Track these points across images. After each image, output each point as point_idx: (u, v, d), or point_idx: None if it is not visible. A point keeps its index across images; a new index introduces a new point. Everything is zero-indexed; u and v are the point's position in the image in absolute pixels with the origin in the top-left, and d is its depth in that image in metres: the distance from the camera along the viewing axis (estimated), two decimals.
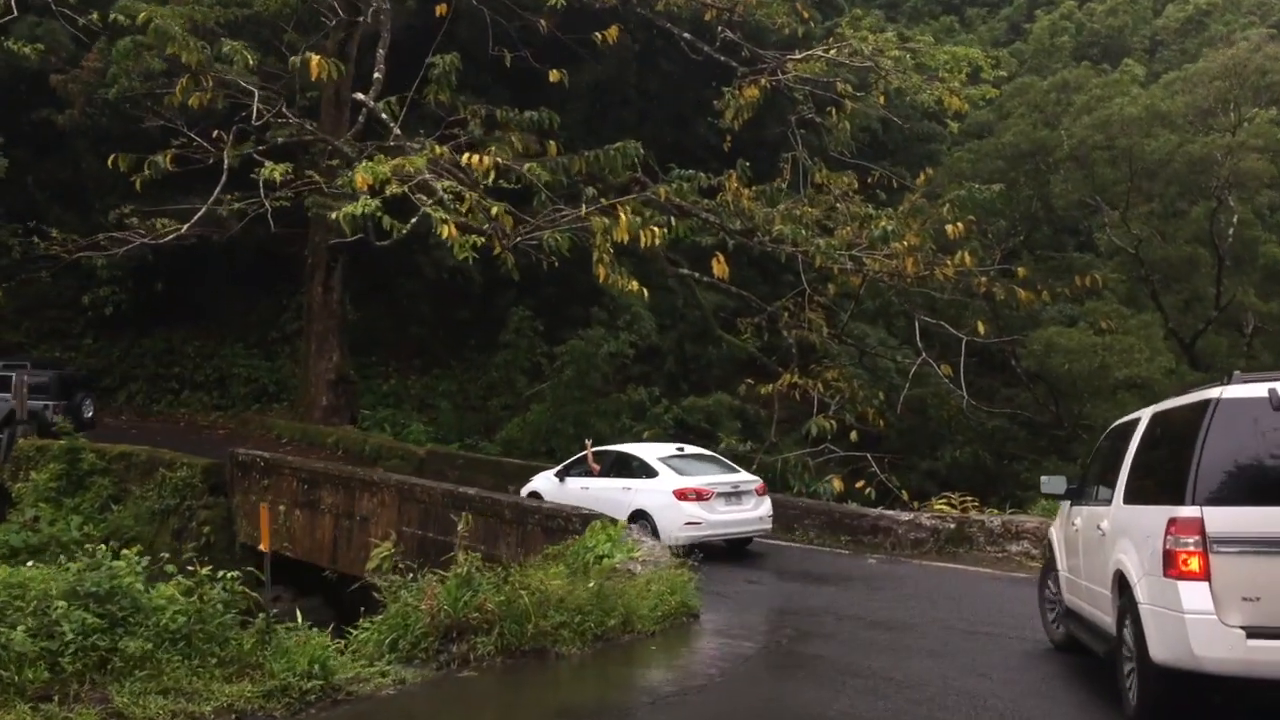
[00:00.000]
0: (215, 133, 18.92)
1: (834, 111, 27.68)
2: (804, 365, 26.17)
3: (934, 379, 27.57)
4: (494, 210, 16.01)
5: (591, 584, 10.29)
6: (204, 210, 18.37)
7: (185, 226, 18.77)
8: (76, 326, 34.67)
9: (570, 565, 11.42)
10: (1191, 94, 23.59)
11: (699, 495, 15.47)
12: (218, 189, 18.33)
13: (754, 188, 23.73)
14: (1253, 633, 6.21)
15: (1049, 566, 10.02)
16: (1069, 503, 9.47)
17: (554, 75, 20.58)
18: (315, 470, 19.84)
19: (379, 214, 15.60)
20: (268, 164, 16.44)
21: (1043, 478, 10.31)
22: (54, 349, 34.04)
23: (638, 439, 29.04)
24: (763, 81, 26.27)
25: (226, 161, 17.31)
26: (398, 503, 17.78)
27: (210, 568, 9.04)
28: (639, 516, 15.44)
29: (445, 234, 15.36)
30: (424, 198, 16.09)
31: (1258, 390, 6.60)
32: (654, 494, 15.75)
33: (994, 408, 31.50)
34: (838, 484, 21.38)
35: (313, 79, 18.75)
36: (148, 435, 29.49)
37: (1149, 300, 26.08)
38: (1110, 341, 22.61)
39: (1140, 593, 6.89)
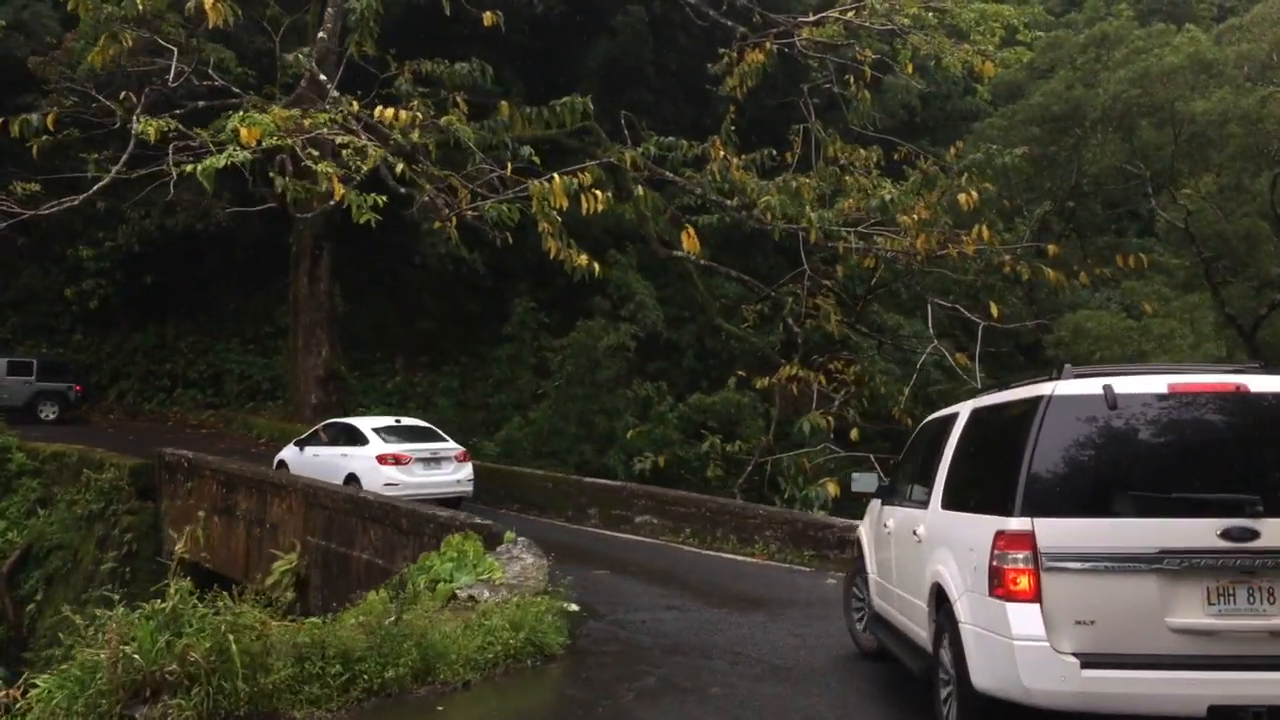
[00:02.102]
0: (122, 94, 16.92)
1: (853, 81, 25.04)
2: (825, 356, 23.64)
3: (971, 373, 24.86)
4: (373, 154, 13.80)
5: (390, 620, 7.92)
6: (107, 180, 16.32)
7: (81, 198, 16.75)
8: (64, 321, 33.21)
9: (392, 593, 9.06)
10: (1247, 43, 20.35)
11: (397, 460, 17.50)
12: (124, 158, 16.28)
13: (743, 156, 21.14)
14: (1087, 661, 5.47)
15: (858, 568, 9.34)
16: (879, 501, 8.82)
17: (488, 18, 18.09)
18: (231, 472, 17.77)
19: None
20: (142, 119, 14.36)
21: (853, 474, 9.36)
22: (41, 344, 32.65)
23: (645, 439, 26.77)
24: (768, 45, 23.75)
25: (136, 128, 15.23)
26: (304, 509, 15.62)
27: None
28: (351, 479, 17.38)
29: (326, 186, 13.28)
30: (314, 153, 13.92)
31: (1092, 387, 5.88)
32: (362, 459, 17.70)
33: None
34: (832, 488, 18.73)
35: (210, 26, 16.68)
36: (125, 434, 27.90)
37: (1207, 284, 22.88)
38: (1147, 325, 19.54)
39: (962, 611, 6.12)
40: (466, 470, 18.22)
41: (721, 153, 20.90)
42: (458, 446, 18.73)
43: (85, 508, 19.84)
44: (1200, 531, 5.53)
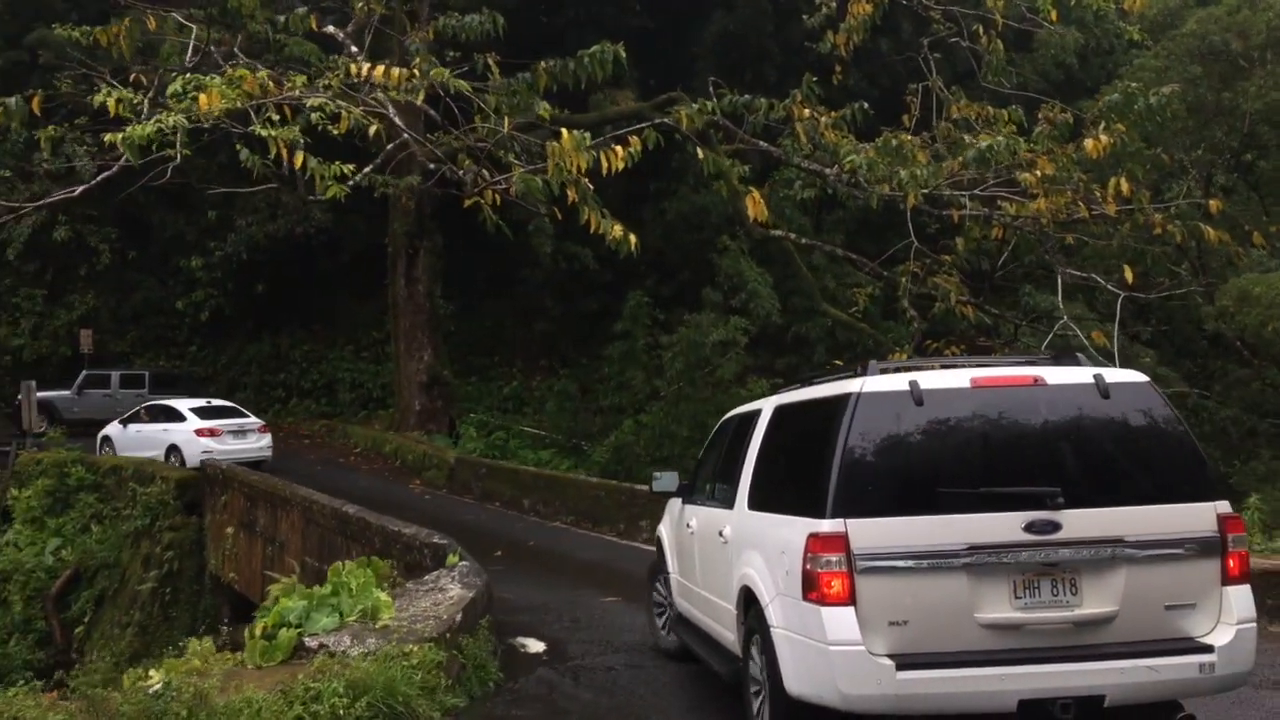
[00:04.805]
0: (133, 75, 15.54)
1: (982, 32, 21.80)
2: (940, 342, 20.59)
3: (1142, 361, 21.41)
4: (346, 117, 11.90)
5: (153, 688, 5.81)
6: (112, 171, 14.93)
7: (80, 189, 15.36)
8: (181, 334, 33.10)
9: (224, 641, 6.97)
10: None
11: (212, 433, 21.44)
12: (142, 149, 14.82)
13: (833, 114, 18.32)
14: (903, 663, 5.36)
15: (659, 568, 9.32)
16: (680, 500, 8.73)
17: None
18: (254, 486, 16.24)
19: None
20: (104, 89, 12.77)
21: (654, 474, 9.10)
22: (159, 357, 32.56)
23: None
24: None
25: (94, 99, 13.62)
26: (303, 526, 13.89)
27: None
28: (172, 450, 21.38)
29: (275, 153, 11.47)
30: (275, 117, 12.06)
31: (898, 383, 5.79)
32: (182, 433, 21.55)
33: (1224, 394, 24.67)
34: None
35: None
36: None
37: None
38: None
39: (773, 615, 6.00)
40: (266, 439, 22.69)
41: (806, 111, 18.12)
42: (259, 421, 23.46)
43: (132, 524, 18.74)
44: (1006, 526, 5.51)
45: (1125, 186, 16.49)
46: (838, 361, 24.39)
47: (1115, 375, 6.05)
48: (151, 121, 11.32)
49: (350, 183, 14.74)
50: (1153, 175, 20.03)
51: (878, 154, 17.64)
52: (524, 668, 8.76)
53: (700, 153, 16.46)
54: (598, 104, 27.63)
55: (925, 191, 17.10)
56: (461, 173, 14.96)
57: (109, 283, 32.33)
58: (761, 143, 19.34)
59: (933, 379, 5.86)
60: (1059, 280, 17.95)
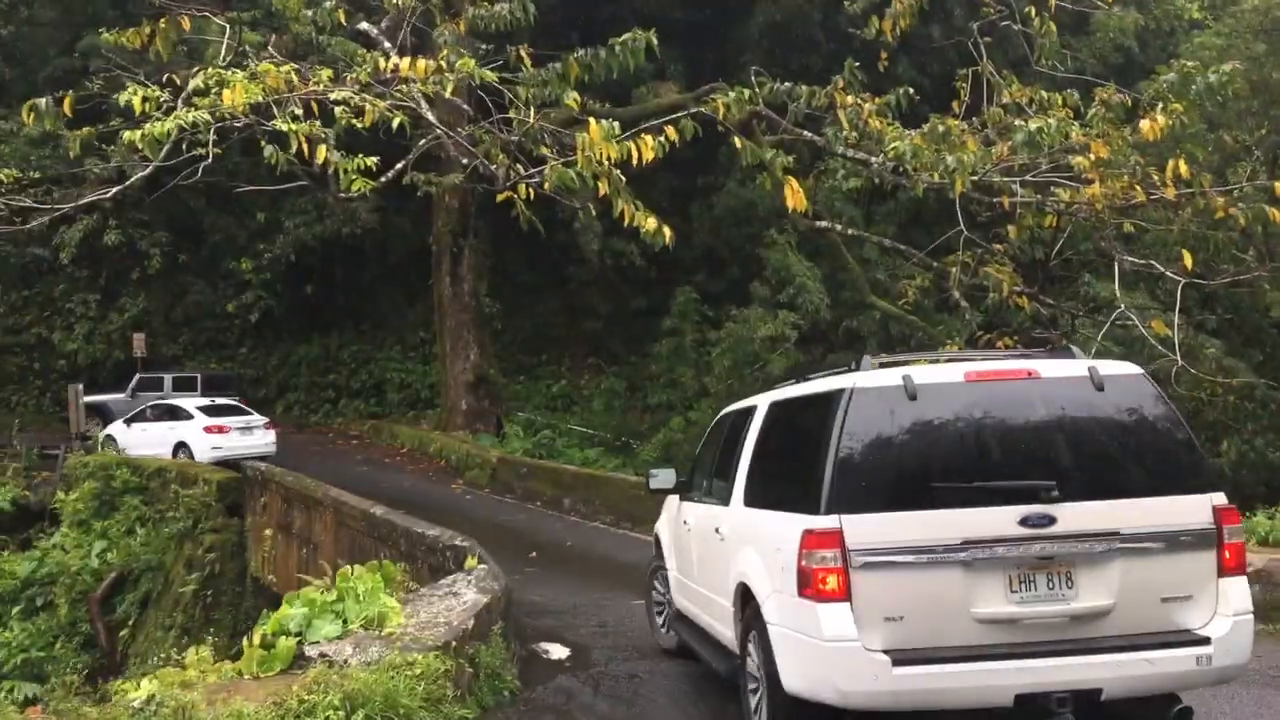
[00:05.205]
0: (165, 76, 15.42)
1: (1034, 12, 21.09)
2: (992, 334, 19.94)
3: (1206, 351, 20.71)
4: (370, 110, 11.65)
5: (135, 703, 5.55)
6: (145, 175, 14.79)
7: (114, 190, 15.23)
8: (233, 336, 33.30)
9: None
10: None
11: (220, 430, 22.48)
12: (165, 148, 14.69)
13: (876, 100, 17.79)
14: (899, 658, 5.33)
15: (657, 565, 9.35)
16: (678, 498, 8.73)
17: None
18: (289, 487, 16.09)
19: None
20: (131, 86, 12.62)
21: (651, 471, 9.04)
22: (211, 359, 32.77)
23: None
24: None
25: (121, 98, 13.42)
26: (335, 528, 13.68)
27: None
28: (180, 447, 22.36)
29: (297, 147, 11.27)
30: (297, 111, 11.87)
31: (891, 378, 5.79)
32: (191, 430, 22.60)
33: None
34: None
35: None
36: (279, 446, 27.25)
37: None
38: None
39: (770, 612, 5.98)
40: (271, 435, 23.55)
41: (850, 98, 17.60)
42: (264, 419, 24.33)
43: (175, 526, 18.72)
44: (1001, 520, 5.47)
45: (1184, 169, 15.77)
46: (879, 354, 23.84)
47: (1109, 368, 5.99)
48: (170, 118, 11.15)
49: (383, 180, 14.59)
50: (1215, 158, 19.22)
51: (924, 140, 17.10)
52: (544, 675, 8.44)
53: (738, 142, 16.02)
54: (641, 98, 27.28)
55: (974, 179, 16.55)
56: (494, 167, 14.71)
57: (161, 286, 32.61)
58: (806, 132, 18.88)
59: (926, 373, 5.85)
60: (1116, 268, 17.25)
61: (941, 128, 17.34)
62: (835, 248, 23.31)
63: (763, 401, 7.21)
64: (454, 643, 7.15)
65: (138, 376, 29.66)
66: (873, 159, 18.59)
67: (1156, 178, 16.23)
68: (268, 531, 16.50)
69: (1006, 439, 5.75)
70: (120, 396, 29.08)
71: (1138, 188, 16.57)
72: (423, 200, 27.49)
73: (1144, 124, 15.54)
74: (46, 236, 30.79)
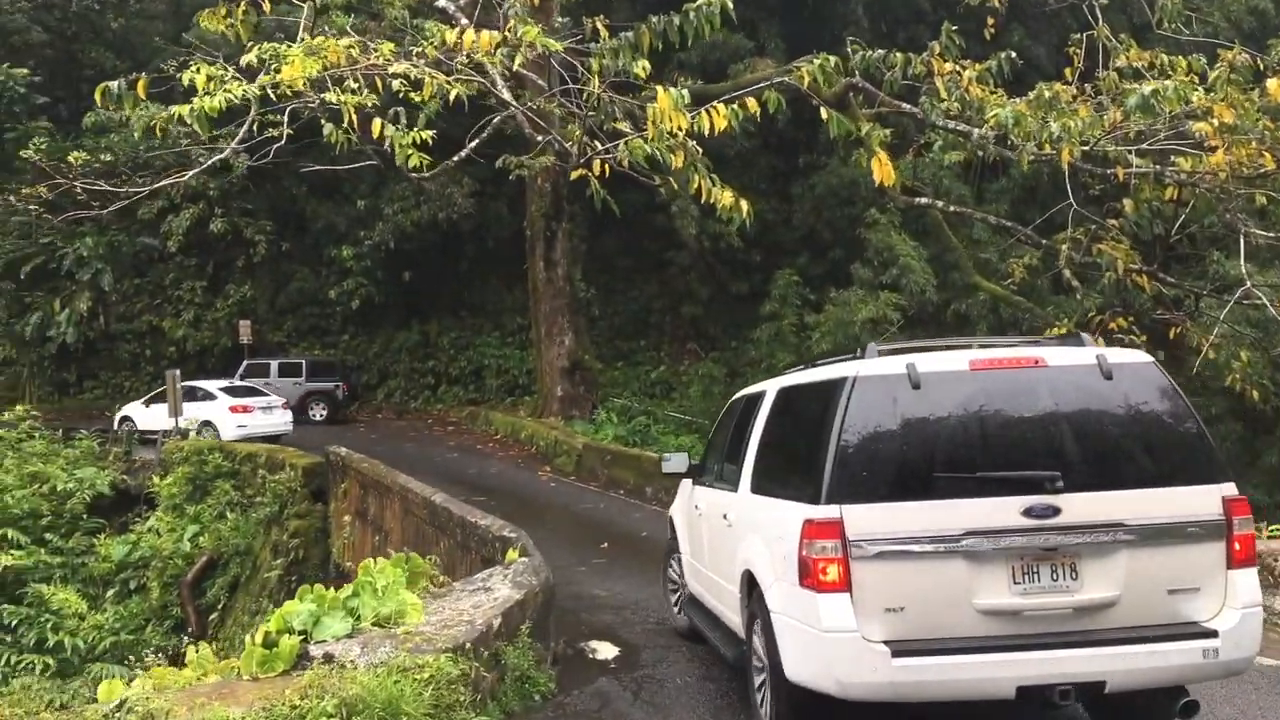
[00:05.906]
0: (243, 60, 15.28)
1: None
2: (1106, 315, 18.73)
3: None
4: (429, 84, 11.17)
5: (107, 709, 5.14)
6: (222, 157, 14.70)
7: (190, 174, 15.13)
8: (335, 323, 33.59)
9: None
10: None
11: (245, 409, 24.30)
12: (242, 131, 14.56)
13: (977, 66, 16.71)
14: (898, 650, 5.29)
15: (671, 548, 9.33)
16: (690, 481, 8.70)
17: None
18: (364, 473, 15.83)
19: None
20: (195, 64, 12.41)
21: (664, 455, 9.36)
22: (314, 345, 33.14)
23: None
24: None
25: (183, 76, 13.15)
26: (402, 515, 13.35)
27: None
28: (206, 425, 23.77)
29: (348, 119, 10.90)
30: (355, 85, 11.49)
31: (895, 366, 5.70)
32: (216, 410, 24.25)
33: None
34: None
35: None
36: (371, 432, 27.38)
37: None
38: None
39: (773, 600, 5.95)
40: (288, 415, 25.42)
41: (948, 65, 16.56)
42: (282, 399, 25.97)
43: (263, 511, 18.73)
44: (1004, 511, 5.39)
45: None
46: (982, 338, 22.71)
47: (1118, 356, 5.88)
48: (220, 93, 10.88)
49: (454, 160, 14.19)
50: None
51: (1028, 108, 16.00)
52: (584, 677, 7.87)
53: (824, 113, 15.17)
54: (736, 74, 26.50)
55: (1085, 148, 15.41)
56: (569, 144, 14.17)
57: (265, 274, 33.08)
58: (904, 104, 17.89)
59: (931, 361, 5.76)
60: (1242, 244, 15.89)
61: (1048, 94, 16.21)
62: (938, 225, 22.20)
63: (772, 387, 7.15)
64: (472, 643, 6.61)
65: (245, 363, 30.14)
66: (974, 130, 17.53)
67: None
68: (347, 518, 16.32)
69: (1011, 428, 5.62)
70: (230, 383, 29.63)
71: (1266, 155, 15.27)
72: (518, 184, 27.20)
73: (1271, 84, 14.27)
74: (155, 225, 31.48)
